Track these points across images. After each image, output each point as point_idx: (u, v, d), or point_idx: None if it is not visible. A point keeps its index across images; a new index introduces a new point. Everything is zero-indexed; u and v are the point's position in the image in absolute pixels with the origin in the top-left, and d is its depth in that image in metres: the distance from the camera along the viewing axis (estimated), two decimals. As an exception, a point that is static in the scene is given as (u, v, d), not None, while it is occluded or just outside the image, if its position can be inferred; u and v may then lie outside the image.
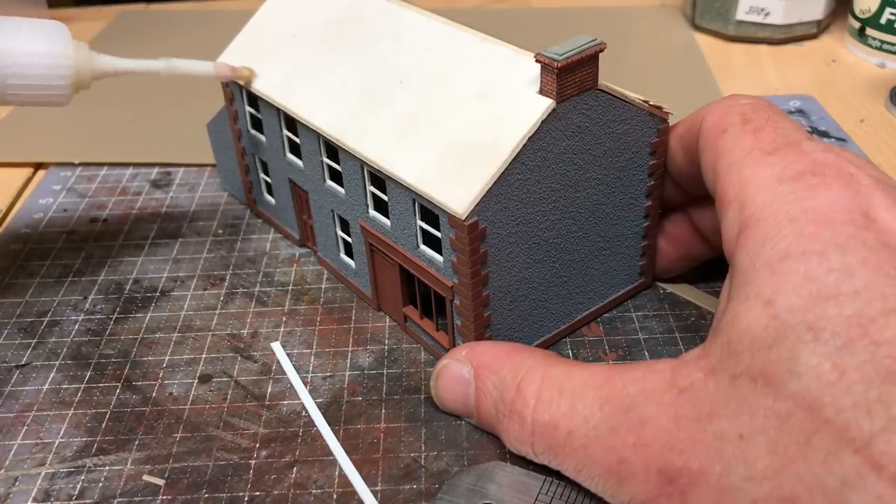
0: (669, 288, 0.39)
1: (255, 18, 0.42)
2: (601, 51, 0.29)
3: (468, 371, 0.30)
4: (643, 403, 0.24)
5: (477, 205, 0.29)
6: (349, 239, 0.38)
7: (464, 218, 0.28)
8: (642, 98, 0.32)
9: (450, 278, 0.31)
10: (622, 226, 0.35)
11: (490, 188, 0.29)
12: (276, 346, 0.36)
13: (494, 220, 0.30)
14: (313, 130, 0.36)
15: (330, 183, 0.37)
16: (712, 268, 0.39)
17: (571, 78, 0.29)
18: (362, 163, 0.33)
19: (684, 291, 0.39)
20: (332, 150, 0.36)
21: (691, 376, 0.23)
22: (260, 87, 0.38)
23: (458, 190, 0.29)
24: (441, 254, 0.31)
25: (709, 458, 0.22)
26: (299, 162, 0.39)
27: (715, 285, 0.39)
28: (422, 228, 0.32)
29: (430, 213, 0.31)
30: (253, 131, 0.41)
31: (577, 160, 0.31)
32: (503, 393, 0.28)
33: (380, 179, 0.33)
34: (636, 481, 0.23)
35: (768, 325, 0.21)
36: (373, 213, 0.35)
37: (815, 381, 0.20)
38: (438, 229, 0.31)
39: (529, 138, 0.29)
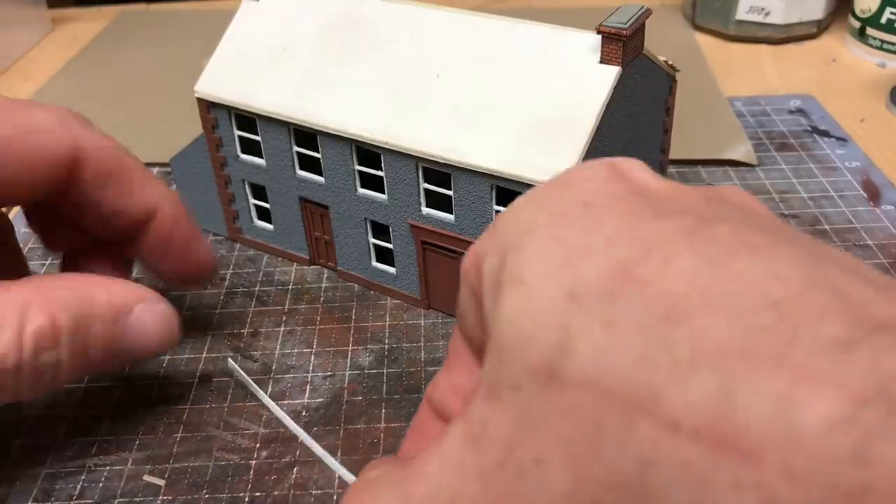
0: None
1: (225, 39, 0.40)
2: (648, 17, 0.32)
3: None
4: (445, 480, 0.18)
5: None
6: (388, 245, 0.38)
7: None
8: (664, 58, 0.35)
9: None
10: None
11: (584, 158, 0.30)
12: (233, 365, 0.35)
13: None
14: (341, 140, 0.35)
15: (363, 191, 0.37)
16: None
17: (632, 44, 0.31)
18: (417, 160, 0.33)
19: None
20: (367, 156, 0.35)
21: (480, 415, 0.18)
22: (263, 105, 0.37)
23: (553, 165, 0.30)
24: None
25: None
26: (317, 177, 0.38)
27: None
28: (498, 213, 0.33)
29: (510, 195, 0.32)
30: (244, 156, 0.40)
31: (627, 122, 0.33)
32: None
33: (436, 175, 0.33)
34: None
35: (527, 308, 0.17)
36: (427, 210, 0.35)
37: (591, 351, 0.15)
38: None
39: (606, 105, 0.31)
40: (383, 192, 0.36)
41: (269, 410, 0.33)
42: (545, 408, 0.16)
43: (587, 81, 0.31)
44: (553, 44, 0.33)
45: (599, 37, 0.31)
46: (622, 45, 0.30)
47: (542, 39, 0.33)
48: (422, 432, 0.24)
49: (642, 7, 0.32)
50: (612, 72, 0.31)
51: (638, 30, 0.31)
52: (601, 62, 0.31)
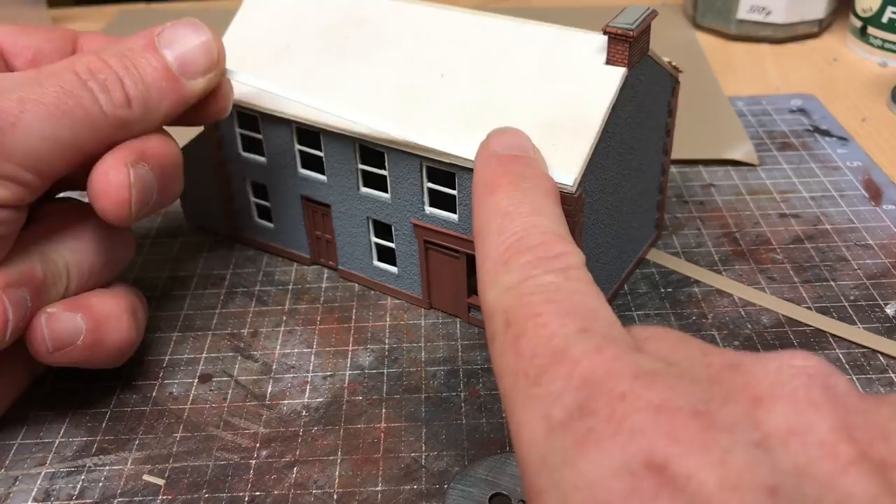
0: (669, 264, 0.40)
1: (226, 38, 0.39)
2: (654, 18, 0.32)
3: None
4: None
5: (582, 176, 0.30)
6: (390, 244, 0.38)
7: (574, 191, 0.30)
8: (667, 59, 0.35)
9: None
10: (649, 182, 0.38)
11: (590, 159, 0.30)
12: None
13: (588, 189, 0.31)
14: (345, 139, 0.35)
15: (366, 190, 0.37)
16: (713, 260, 0.39)
17: (638, 46, 0.31)
18: (421, 160, 0.33)
19: (683, 268, 0.39)
20: (371, 154, 0.35)
21: None
22: (265, 103, 0.37)
23: (559, 166, 0.30)
24: None
25: None
26: (319, 176, 0.38)
27: (719, 268, 0.39)
28: None
29: None
30: (246, 154, 0.40)
31: (631, 123, 0.33)
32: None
33: (440, 175, 0.33)
34: None
35: None
36: (430, 210, 0.35)
37: None
38: None
39: (612, 107, 0.31)
40: (386, 191, 0.36)
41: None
42: None
43: (593, 82, 0.31)
44: (559, 44, 0.33)
45: (606, 38, 0.31)
46: (629, 46, 0.30)
47: (547, 40, 0.33)
48: None
49: (648, 8, 0.32)
50: (619, 73, 0.31)
51: (644, 31, 0.31)
52: (607, 63, 0.31)
